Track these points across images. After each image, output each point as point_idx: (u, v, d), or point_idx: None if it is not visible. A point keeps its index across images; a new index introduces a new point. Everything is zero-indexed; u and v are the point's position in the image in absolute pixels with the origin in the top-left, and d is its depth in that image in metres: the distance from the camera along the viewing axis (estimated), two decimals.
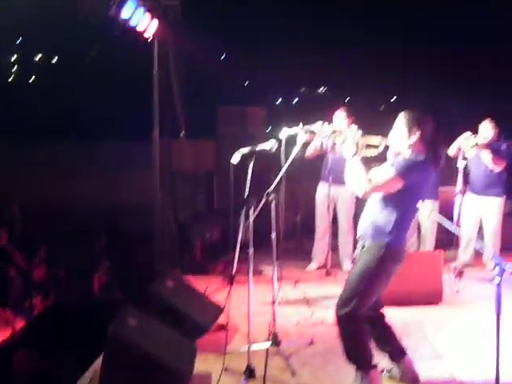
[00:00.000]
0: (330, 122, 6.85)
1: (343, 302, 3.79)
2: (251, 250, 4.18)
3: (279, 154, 4.97)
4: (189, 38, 7.43)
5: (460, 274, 6.45)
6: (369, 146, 4.06)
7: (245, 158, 4.22)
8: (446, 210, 6.68)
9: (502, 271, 2.62)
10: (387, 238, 3.71)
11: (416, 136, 3.77)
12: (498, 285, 2.64)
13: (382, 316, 4.08)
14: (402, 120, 3.85)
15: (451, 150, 6.74)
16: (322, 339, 4.93)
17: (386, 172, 3.74)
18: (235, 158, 4.19)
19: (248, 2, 12.76)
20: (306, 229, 7.95)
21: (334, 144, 4.19)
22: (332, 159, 6.62)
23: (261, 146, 4.24)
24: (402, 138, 3.83)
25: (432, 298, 5.74)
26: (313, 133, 4.29)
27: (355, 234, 7.00)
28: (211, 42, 8.95)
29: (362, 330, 3.85)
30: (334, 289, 6.29)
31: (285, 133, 4.53)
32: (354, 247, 7.09)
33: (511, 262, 6.99)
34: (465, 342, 4.86)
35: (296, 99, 24.33)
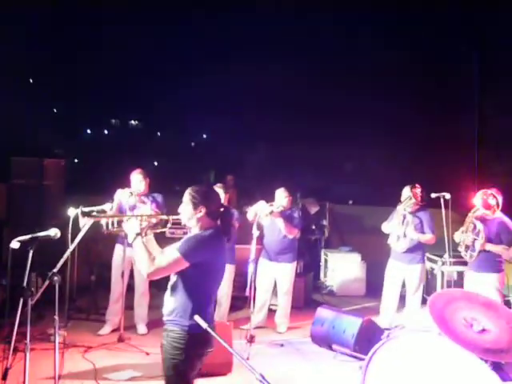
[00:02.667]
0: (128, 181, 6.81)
1: None
2: (28, 342, 3.92)
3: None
4: None
5: (251, 338, 6.58)
6: (157, 224, 4.05)
7: (26, 244, 3.96)
8: (244, 268, 6.85)
9: None
10: (188, 322, 3.58)
11: (202, 212, 3.77)
12: None
13: None
14: (187, 196, 3.83)
15: (249, 215, 6.98)
16: None
17: (170, 253, 3.66)
18: (15, 244, 3.91)
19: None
20: (102, 287, 7.73)
21: None
22: None
23: (43, 233, 4.01)
24: (188, 214, 3.81)
25: (222, 368, 5.79)
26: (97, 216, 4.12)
27: (151, 296, 6.98)
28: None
29: None
30: (125, 357, 6.22)
31: (72, 212, 4.34)
32: (149, 310, 7.09)
33: (300, 320, 7.42)
34: None
35: (106, 131, 23.93)
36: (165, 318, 3.74)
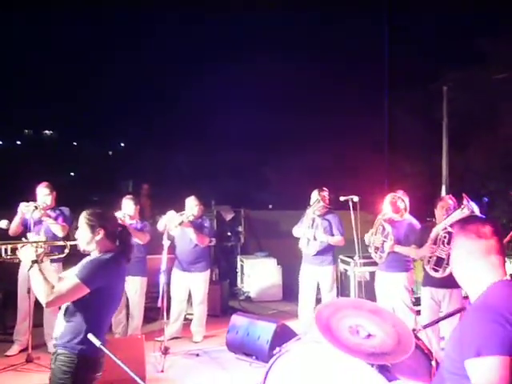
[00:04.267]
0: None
1: None
2: None
3: None
4: None
5: (166, 350, 6.51)
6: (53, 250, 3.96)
7: None
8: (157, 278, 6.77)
9: None
10: (79, 346, 3.46)
11: (100, 235, 3.68)
12: None
13: None
14: (83, 220, 3.72)
15: (159, 226, 6.92)
16: None
17: (69, 279, 3.52)
18: None
19: None
20: (9, 304, 7.46)
21: None
22: None
23: None
24: (86, 239, 3.71)
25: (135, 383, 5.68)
26: None
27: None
28: None
29: None
30: (35, 378, 6.03)
31: None
32: None
33: (217, 328, 7.40)
34: None
35: (19, 142, 23.21)
36: (55, 342, 3.62)
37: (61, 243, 3.97)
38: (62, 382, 3.48)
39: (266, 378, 3.05)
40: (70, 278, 3.54)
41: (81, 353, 3.46)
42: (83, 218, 3.73)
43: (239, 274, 10.22)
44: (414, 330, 2.87)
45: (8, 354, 6.67)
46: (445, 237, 5.88)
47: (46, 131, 23.56)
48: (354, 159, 11.77)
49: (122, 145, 23.59)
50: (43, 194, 6.64)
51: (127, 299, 7.00)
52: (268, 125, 12.56)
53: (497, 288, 2.39)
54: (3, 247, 3.84)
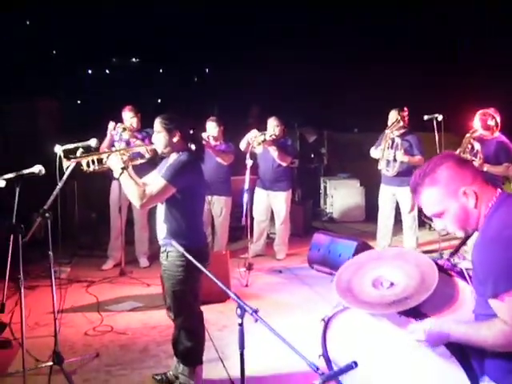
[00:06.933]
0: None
1: (178, 310, 3.97)
2: (22, 278, 4.06)
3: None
4: None
5: (250, 266, 6.74)
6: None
7: (12, 182, 4.03)
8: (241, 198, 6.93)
9: (244, 312, 2.76)
10: (184, 242, 3.69)
11: (177, 137, 3.93)
12: (241, 325, 2.77)
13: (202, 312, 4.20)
14: (159, 125, 3.96)
15: (242, 145, 7.03)
16: (108, 350, 4.92)
17: (157, 181, 3.84)
18: (0, 183, 3.99)
19: None
20: (103, 223, 7.87)
21: None
22: None
23: (28, 171, 4.07)
24: (164, 142, 3.96)
25: (220, 295, 5.92)
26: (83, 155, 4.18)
27: (150, 230, 7.04)
28: None
29: (203, 329, 4.09)
30: (128, 289, 6.41)
31: (58, 149, 4.37)
32: (150, 244, 7.19)
33: (299, 247, 7.51)
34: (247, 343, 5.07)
35: (107, 71, 23.65)
36: (161, 242, 3.98)
37: (141, 148, 4.20)
38: (178, 273, 3.88)
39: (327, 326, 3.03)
40: (157, 180, 3.84)
41: (186, 247, 3.62)
42: (159, 122, 3.97)
43: (322, 194, 10.29)
44: (437, 264, 2.75)
45: (103, 268, 7.12)
46: None
47: (133, 59, 23.83)
48: (440, 77, 11.34)
49: (207, 70, 23.54)
50: (128, 116, 6.88)
51: (212, 218, 7.24)
52: (351, 40, 12.21)
53: (499, 209, 2.26)
54: (90, 159, 4.08)
